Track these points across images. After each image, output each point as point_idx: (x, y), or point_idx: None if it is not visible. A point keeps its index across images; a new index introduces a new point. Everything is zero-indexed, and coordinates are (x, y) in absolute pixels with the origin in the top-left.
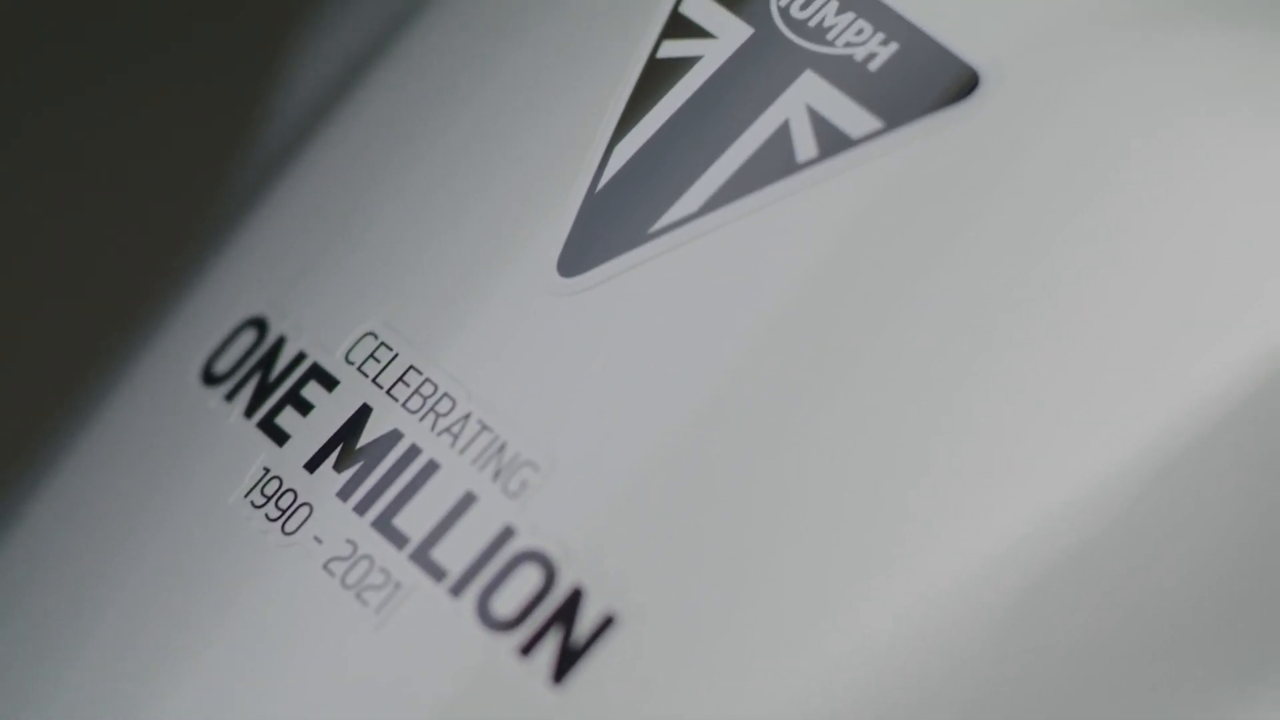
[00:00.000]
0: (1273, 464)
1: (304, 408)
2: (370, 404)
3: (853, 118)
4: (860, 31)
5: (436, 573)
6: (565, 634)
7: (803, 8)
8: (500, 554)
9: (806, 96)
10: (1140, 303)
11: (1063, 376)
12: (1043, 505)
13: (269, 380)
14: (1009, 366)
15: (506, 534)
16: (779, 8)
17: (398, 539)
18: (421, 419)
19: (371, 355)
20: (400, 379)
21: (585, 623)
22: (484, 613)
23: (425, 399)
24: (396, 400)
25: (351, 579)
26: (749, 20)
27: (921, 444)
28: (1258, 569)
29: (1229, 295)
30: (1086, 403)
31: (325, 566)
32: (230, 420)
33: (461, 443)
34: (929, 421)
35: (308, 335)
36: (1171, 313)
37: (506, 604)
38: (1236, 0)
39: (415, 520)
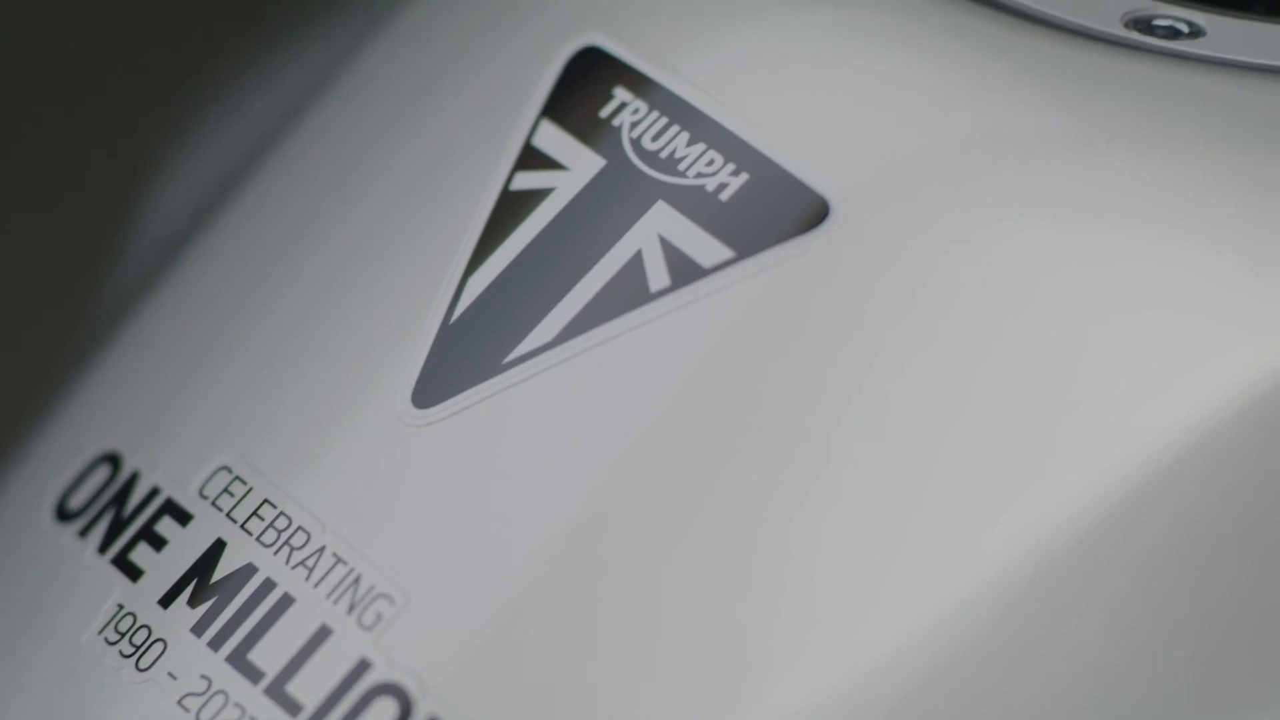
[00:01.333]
0: (1145, 570)
1: (158, 543)
2: (224, 539)
3: (704, 247)
4: (711, 162)
5: (292, 707)
6: None
7: (654, 139)
8: (356, 687)
9: (659, 227)
10: (993, 421)
11: (910, 498)
12: (896, 626)
13: (123, 516)
14: (857, 491)
15: (362, 667)
16: (631, 139)
17: (253, 674)
18: (276, 553)
19: (225, 490)
20: (254, 513)
21: None
22: None
23: (280, 533)
24: (251, 534)
25: (206, 714)
26: (601, 152)
27: (776, 572)
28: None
29: (1080, 410)
30: (933, 523)
31: (180, 703)
32: (84, 557)
33: (316, 576)
34: (782, 549)
35: (162, 470)
36: (1023, 432)
37: None
38: (1082, 127)
39: (270, 654)
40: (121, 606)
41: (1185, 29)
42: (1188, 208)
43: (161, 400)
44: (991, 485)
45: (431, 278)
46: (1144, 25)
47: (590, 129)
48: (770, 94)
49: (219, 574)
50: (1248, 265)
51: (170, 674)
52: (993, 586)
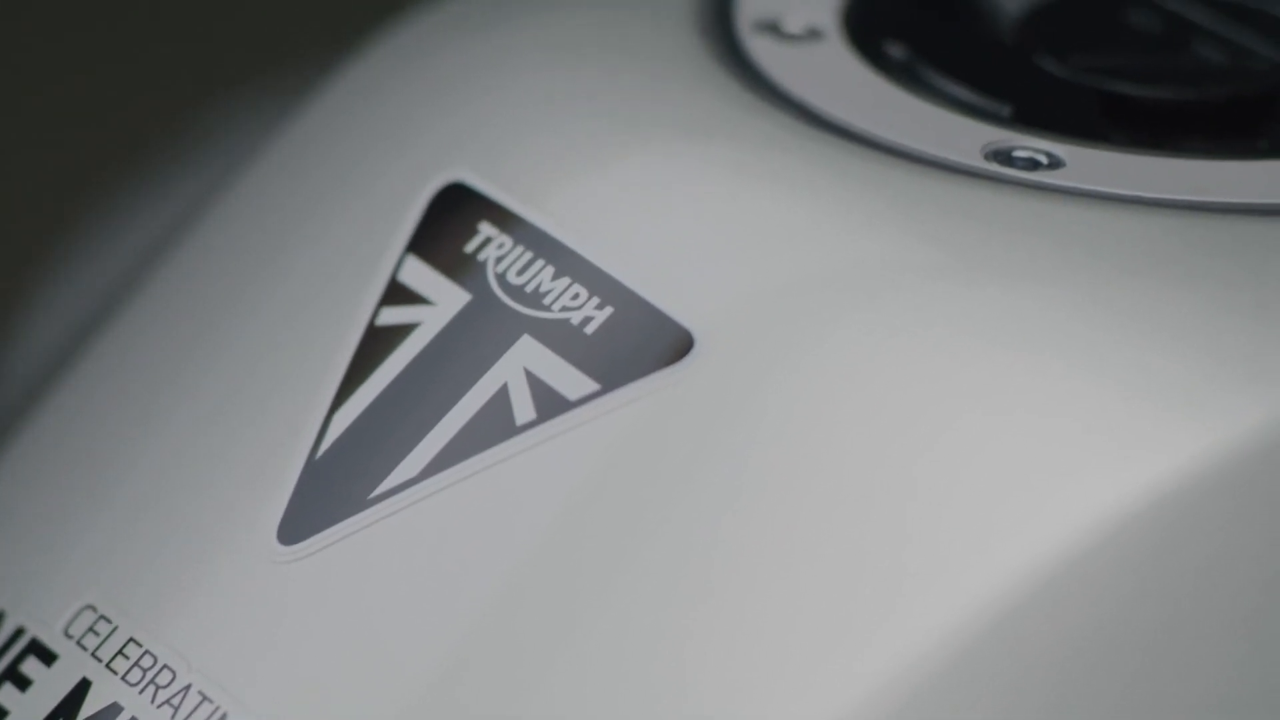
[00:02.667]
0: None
1: (22, 684)
2: (89, 678)
3: (570, 380)
4: (576, 296)
5: None
6: None
7: (520, 273)
8: None
9: (524, 360)
10: (861, 551)
11: (777, 632)
12: None
13: None
14: (725, 624)
15: None
16: (496, 274)
17: None
18: (141, 691)
19: (91, 629)
20: (120, 651)
21: None
22: None
23: (145, 671)
24: (116, 673)
25: None
26: (466, 286)
27: (643, 707)
28: None
29: (948, 536)
30: (802, 655)
31: None
32: None
33: (182, 714)
34: (649, 682)
35: (26, 609)
36: (892, 561)
37: None
38: (944, 258)
39: None
40: None
41: (1045, 160)
42: (1052, 336)
43: (26, 539)
44: (861, 615)
45: (297, 414)
46: (1004, 157)
47: (456, 264)
48: (635, 228)
49: (84, 713)
50: (1114, 388)
51: None
52: (865, 712)
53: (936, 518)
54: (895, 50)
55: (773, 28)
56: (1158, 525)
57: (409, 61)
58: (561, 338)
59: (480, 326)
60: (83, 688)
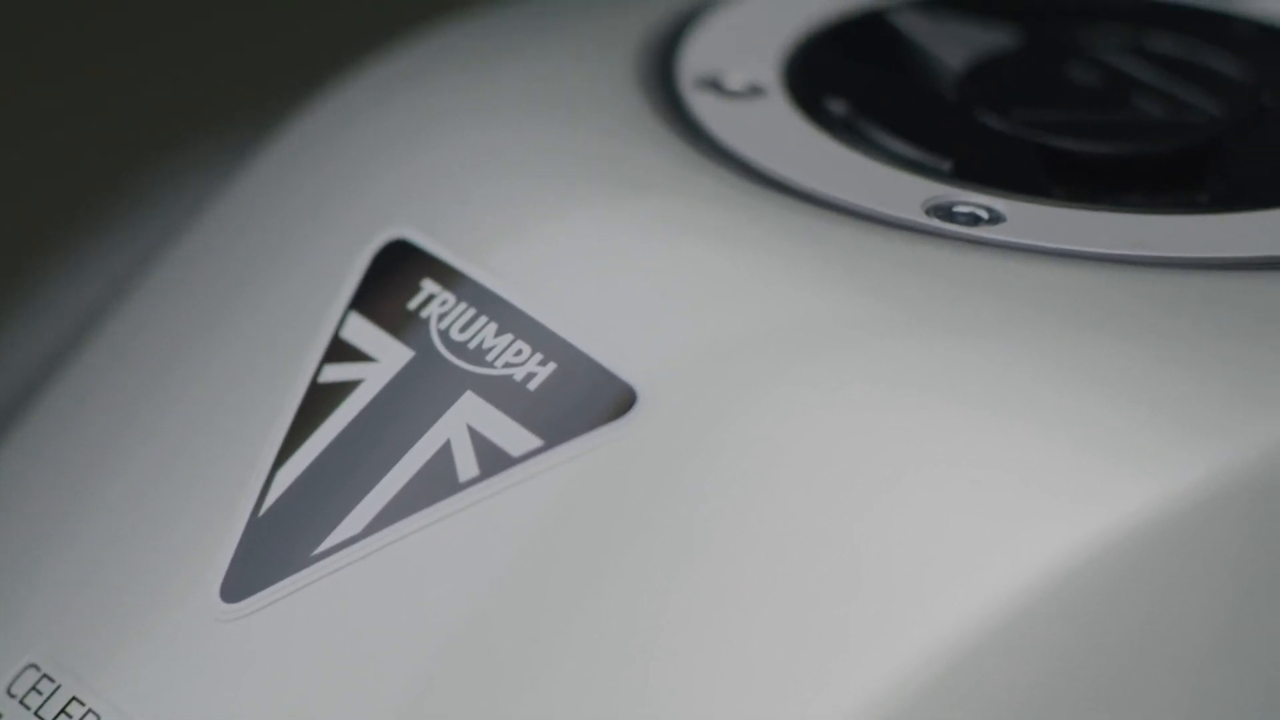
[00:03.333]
0: None
1: None
2: None
3: (513, 437)
4: (519, 352)
5: None
6: None
7: (462, 330)
8: None
9: (467, 417)
10: (807, 606)
11: (722, 687)
12: None
13: None
14: (670, 681)
15: None
16: (439, 330)
17: None
18: None
19: (34, 688)
20: (63, 710)
21: None
22: None
23: None
24: None
25: None
26: (409, 343)
27: None
28: None
29: (893, 590)
30: (750, 707)
31: None
32: None
33: None
34: None
35: None
36: (839, 616)
37: None
38: (886, 313)
39: None
40: None
41: (985, 215)
42: (995, 390)
43: None
44: (807, 671)
45: (240, 471)
46: (944, 212)
47: (398, 321)
48: (578, 284)
49: None
50: (1058, 441)
51: None
52: None
53: (883, 573)
54: (837, 106)
55: (714, 84)
56: (1104, 577)
57: (351, 118)
58: (504, 394)
59: (423, 383)
60: None
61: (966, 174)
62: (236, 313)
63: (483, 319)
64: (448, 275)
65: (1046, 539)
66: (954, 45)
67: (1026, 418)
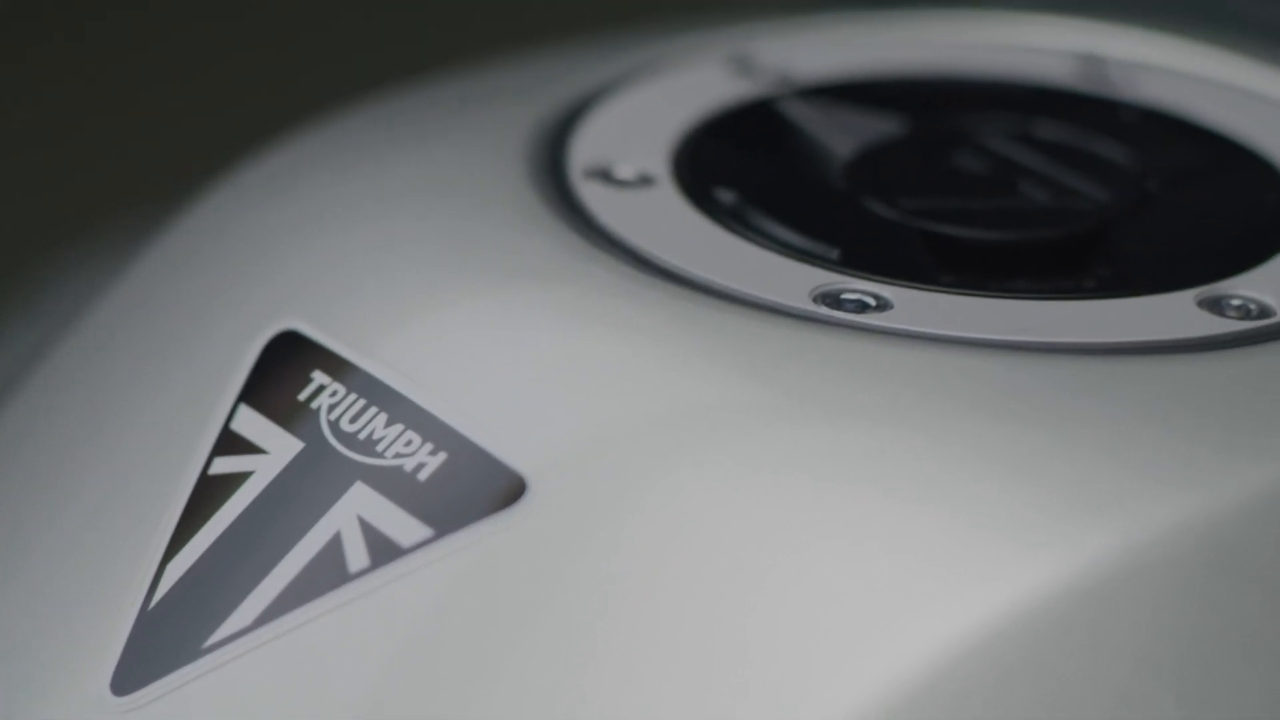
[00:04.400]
0: None
1: None
2: None
3: (403, 527)
4: (409, 443)
5: None
6: None
7: (352, 420)
8: None
9: (358, 507)
10: (699, 694)
11: None
12: None
13: None
14: None
15: None
16: (329, 421)
17: None
18: None
19: None
20: None
21: None
22: None
23: None
24: None
25: None
26: (300, 435)
27: None
28: None
29: (784, 672)
30: None
31: None
32: None
33: None
34: None
35: None
36: (729, 698)
37: None
38: (775, 400)
39: None
40: None
41: (873, 302)
42: (883, 474)
43: None
44: None
45: (130, 564)
46: (832, 300)
47: (288, 412)
48: (468, 374)
49: None
50: (946, 522)
51: None
52: None
53: (773, 656)
54: (726, 195)
55: (604, 174)
56: (995, 657)
57: (241, 210)
58: (395, 484)
59: (313, 474)
60: None
61: (854, 262)
62: (127, 406)
63: (373, 409)
64: (338, 366)
65: (940, 620)
66: (842, 133)
67: (915, 501)
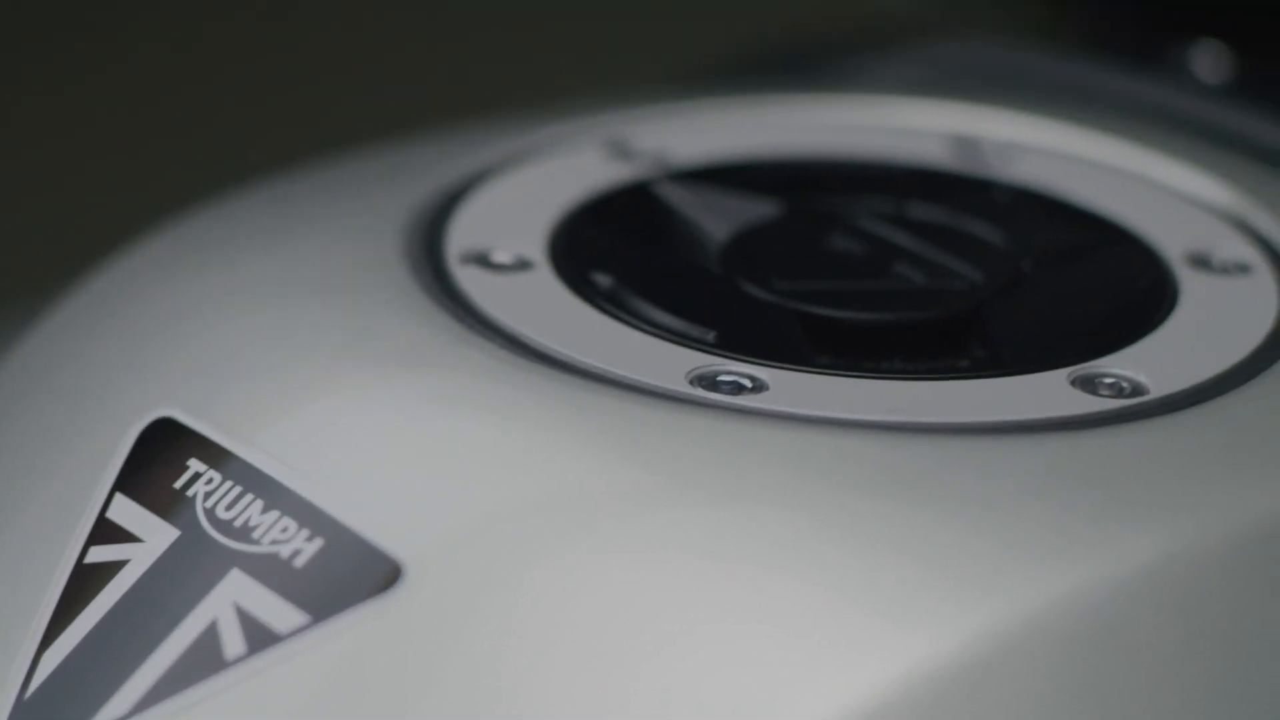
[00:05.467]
0: None
1: None
2: None
3: (279, 613)
4: (286, 529)
5: None
6: None
7: (228, 508)
8: None
9: (234, 595)
10: None
11: None
12: None
13: None
14: None
15: None
16: (204, 509)
17: None
18: None
19: None
20: None
21: None
22: None
23: None
24: None
25: None
26: (175, 523)
27: None
28: None
29: None
30: None
31: None
32: None
33: None
34: None
35: None
36: None
37: None
38: (652, 482)
39: None
40: None
41: (749, 384)
42: (760, 554)
43: None
44: None
45: (6, 654)
46: (708, 382)
47: (164, 500)
48: (343, 459)
49: None
50: (823, 600)
51: None
52: None
53: None
54: (603, 278)
55: (481, 258)
56: None
57: (118, 298)
58: (271, 571)
59: (189, 562)
60: None
61: (730, 344)
62: (3, 497)
63: (249, 496)
64: (214, 453)
65: (818, 697)
66: (718, 216)
67: (795, 580)
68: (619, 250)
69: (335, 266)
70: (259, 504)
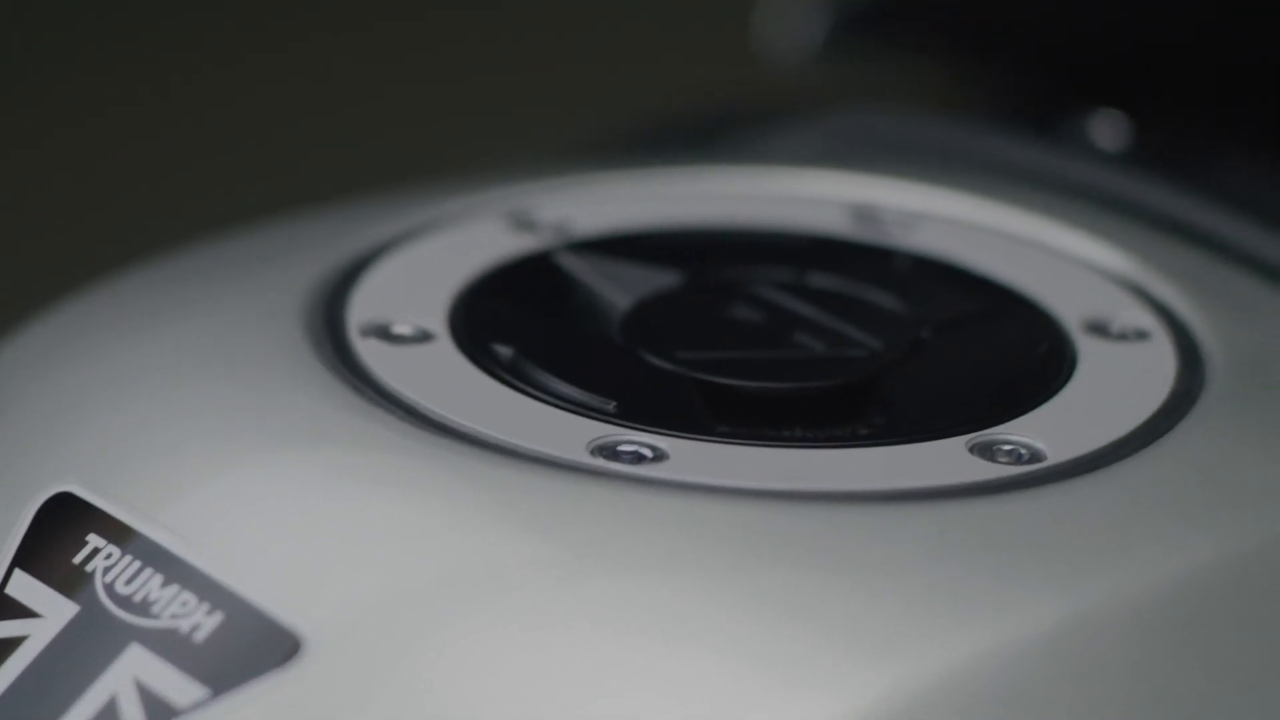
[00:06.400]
0: None
1: None
2: None
3: (179, 688)
4: (185, 604)
5: None
6: None
7: (128, 583)
8: None
9: (134, 670)
10: None
11: None
12: None
13: None
14: None
15: None
16: (104, 584)
17: None
18: None
19: None
20: None
21: None
22: None
23: None
24: None
25: None
26: (75, 598)
27: None
28: None
29: None
30: None
31: None
32: None
33: None
34: None
35: None
36: None
37: None
38: (553, 553)
39: None
40: None
41: (650, 454)
42: (659, 623)
43: None
44: None
45: None
46: (609, 452)
47: (63, 575)
48: (242, 533)
49: None
50: (729, 668)
51: None
52: None
53: None
54: (504, 349)
55: (382, 330)
56: None
57: (19, 373)
58: (171, 645)
59: (89, 637)
60: None
61: (631, 414)
62: None
63: (149, 571)
64: (113, 528)
65: None
66: (618, 286)
67: (695, 649)
68: (520, 321)
69: (236, 340)
70: (159, 579)
